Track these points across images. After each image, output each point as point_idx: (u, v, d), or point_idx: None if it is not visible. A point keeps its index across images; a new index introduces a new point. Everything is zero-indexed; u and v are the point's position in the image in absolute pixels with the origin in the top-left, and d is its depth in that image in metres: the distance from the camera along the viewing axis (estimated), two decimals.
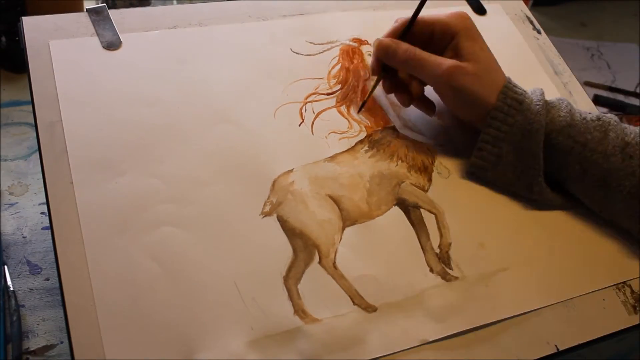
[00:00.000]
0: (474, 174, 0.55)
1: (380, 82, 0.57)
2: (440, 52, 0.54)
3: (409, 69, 0.54)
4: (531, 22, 0.70)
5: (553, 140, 0.52)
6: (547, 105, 0.53)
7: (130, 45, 0.55)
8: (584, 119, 0.52)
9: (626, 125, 0.52)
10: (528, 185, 0.53)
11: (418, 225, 0.51)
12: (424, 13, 0.54)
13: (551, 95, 0.63)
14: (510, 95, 0.52)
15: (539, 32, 0.69)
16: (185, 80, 0.54)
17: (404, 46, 0.53)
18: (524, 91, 0.53)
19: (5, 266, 0.56)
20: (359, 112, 0.57)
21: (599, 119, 0.52)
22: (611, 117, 0.53)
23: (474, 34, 0.54)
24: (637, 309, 0.51)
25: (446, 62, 0.52)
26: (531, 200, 0.54)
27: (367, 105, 0.57)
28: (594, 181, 0.51)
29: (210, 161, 0.50)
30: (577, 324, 0.49)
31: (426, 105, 0.57)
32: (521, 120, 0.52)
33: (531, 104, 0.52)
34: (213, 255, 0.46)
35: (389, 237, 0.50)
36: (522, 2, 0.71)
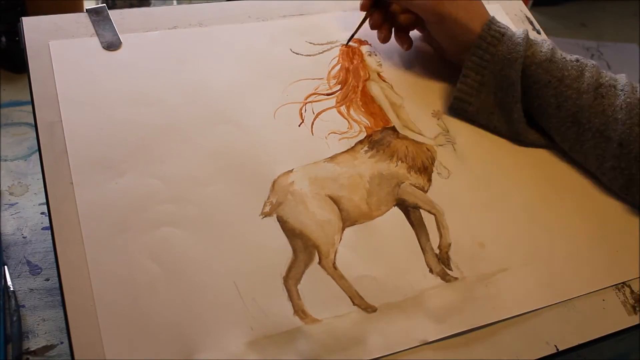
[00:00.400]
0: (457, 108, 0.58)
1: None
2: None
3: (394, 1, 0.58)
4: (531, 23, 0.70)
5: (533, 72, 0.55)
6: (530, 41, 0.56)
7: (130, 45, 0.55)
8: (564, 58, 0.56)
9: (605, 71, 0.56)
10: (508, 113, 0.57)
11: (418, 225, 0.51)
12: None
13: None
14: (494, 27, 0.56)
15: (539, 33, 0.69)
16: (185, 81, 0.54)
17: None
18: (507, 27, 0.57)
19: (6, 266, 0.56)
20: (346, 44, 0.61)
21: (577, 60, 0.56)
22: (590, 61, 0.56)
23: None
24: (637, 309, 0.51)
25: None
26: (514, 139, 0.58)
27: (367, 105, 0.57)
28: (567, 116, 0.55)
29: (210, 161, 0.50)
30: (577, 324, 0.49)
31: (403, 39, 0.62)
32: (503, 50, 0.55)
33: (513, 36, 0.56)
34: (213, 255, 0.46)
35: (388, 238, 0.50)
36: (522, 2, 0.71)
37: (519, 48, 0.55)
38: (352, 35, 0.61)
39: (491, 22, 0.57)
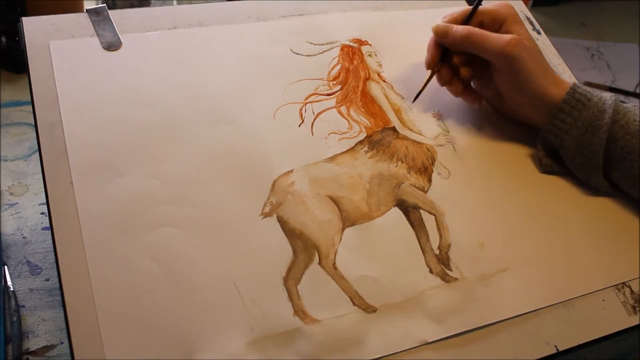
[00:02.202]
0: (541, 163, 0.57)
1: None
2: None
3: (469, 45, 0.56)
4: (531, 23, 0.70)
5: (627, 142, 0.52)
6: (620, 108, 0.54)
7: (130, 45, 0.55)
8: None
9: None
10: (586, 177, 0.55)
11: (418, 226, 0.51)
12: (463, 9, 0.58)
13: None
14: (580, 91, 0.54)
15: (539, 33, 0.69)
16: (185, 81, 0.54)
17: (462, 27, 0.56)
18: (593, 90, 0.55)
19: (6, 266, 0.56)
20: (413, 101, 0.59)
21: None
22: None
23: (520, 21, 0.57)
24: (637, 309, 0.51)
25: (505, 37, 0.54)
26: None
27: (367, 106, 0.57)
28: None
29: (210, 162, 0.50)
30: (577, 324, 0.49)
31: (472, 95, 0.59)
32: (587, 116, 0.53)
33: (599, 102, 0.54)
34: (213, 256, 0.46)
35: (388, 238, 0.50)
36: (522, 2, 0.71)
37: (605, 115, 0.53)
38: (418, 95, 0.59)
39: (576, 86, 0.55)
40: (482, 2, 0.58)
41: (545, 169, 0.57)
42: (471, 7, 0.58)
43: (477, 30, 0.55)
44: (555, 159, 0.57)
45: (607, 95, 0.55)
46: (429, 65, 0.59)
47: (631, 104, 0.55)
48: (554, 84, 0.55)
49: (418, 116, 0.58)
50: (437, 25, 0.57)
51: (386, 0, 0.66)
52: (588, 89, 0.55)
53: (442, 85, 0.59)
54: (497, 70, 0.56)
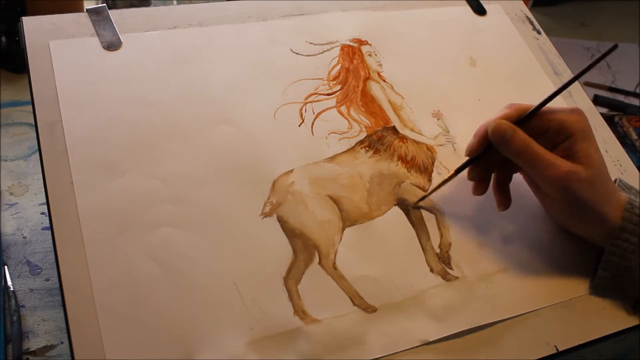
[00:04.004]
0: (597, 288, 0.51)
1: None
2: (551, 148, 0.49)
3: (520, 161, 0.49)
4: (531, 23, 0.70)
5: None
6: None
7: (130, 45, 0.55)
8: None
9: None
10: None
11: (418, 225, 0.51)
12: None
13: (554, 102, 0.63)
14: (637, 204, 0.49)
15: (539, 33, 0.69)
16: (185, 81, 0.54)
17: (522, 135, 0.48)
18: None
19: (6, 266, 0.56)
20: (416, 204, 0.52)
21: None
22: None
23: (590, 135, 0.50)
24: (637, 309, 0.51)
25: (563, 164, 0.48)
26: None
27: (367, 105, 0.57)
28: None
29: (210, 162, 0.50)
30: (577, 324, 0.49)
31: (507, 197, 0.53)
32: None
33: None
34: (213, 255, 0.46)
35: (389, 238, 0.50)
36: (522, 2, 0.71)
37: None
38: (428, 194, 0.53)
39: (632, 202, 0.49)
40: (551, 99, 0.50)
41: (600, 292, 0.51)
42: (538, 104, 0.50)
43: (532, 150, 0.48)
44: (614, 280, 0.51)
45: None
46: (470, 153, 0.51)
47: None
48: (613, 206, 0.49)
49: (418, 116, 0.58)
50: (497, 123, 0.49)
51: (386, 0, 0.66)
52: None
53: (471, 180, 0.53)
54: (547, 195, 0.51)
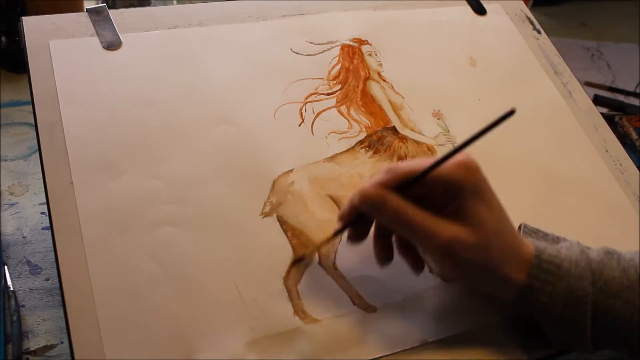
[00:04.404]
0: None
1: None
2: (441, 209, 0.43)
3: (396, 230, 0.45)
4: (531, 22, 0.70)
5: (609, 307, 0.43)
6: (594, 265, 0.44)
7: (130, 45, 0.55)
8: None
9: None
10: (572, 349, 0.45)
11: None
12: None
13: (554, 102, 0.63)
14: (546, 259, 0.43)
15: (539, 32, 0.69)
16: (185, 80, 0.54)
17: (394, 203, 0.42)
18: (558, 250, 0.44)
19: (6, 266, 0.56)
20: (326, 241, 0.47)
21: None
22: None
23: (481, 191, 0.43)
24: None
25: (444, 231, 0.42)
26: None
27: (367, 105, 0.57)
28: None
29: (210, 161, 0.50)
30: None
31: (414, 259, 0.46)
32: (562, 288, 0.43)
33: (572, 267, 0.43)
34: (213, 255, 0.46)
35: None
36: (522, 2, 0.71)
37: (583, 283, 0.43)
38: (319, 246, 0.48)
39: (539, 253, 0.43)
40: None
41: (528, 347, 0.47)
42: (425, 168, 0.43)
43: (407, 218, 0.42)
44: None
45: (575, 252, 0.44)
46: (342, 219, 0.46)
47: (602, 250, 0.45)
48: (516, 264, 0.43)
49: (418, 116, 0.58)
50: (364, 192, 0.43)
51: (386, 0, 0.66)
52: (553, 250, 0.44)
53: (353, 242, 0.46)
54: (437, 264, 0.47)
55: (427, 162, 0.43)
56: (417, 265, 0.46)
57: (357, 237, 0.46)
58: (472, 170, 0.44)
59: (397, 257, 0.49)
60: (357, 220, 0.45)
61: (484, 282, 0.44)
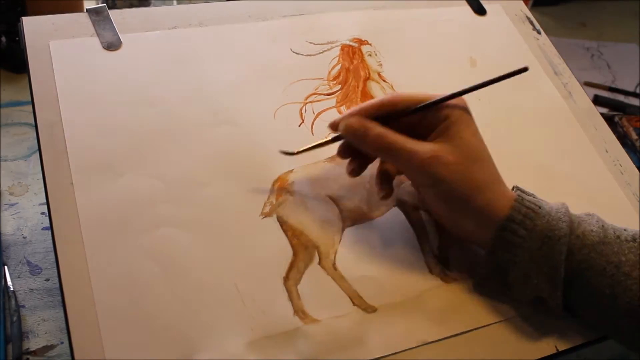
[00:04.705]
0: (479, 285, 0.48)
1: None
2: (426, 136, 0.46)
3: (380, 155, 0.48)
4: (531, 23, 0.70)
5: (584, 257, 0.44)
6: (574, 217, 0.45)
7: (130, 45, 0.55)
8: (618, 237, 0.45)
9: None
10: (539, 297, 0.45)
11: (417, 226, 0.51)
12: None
13: (554, 102, 0.63)
14: (528, 198, 0.45)
15: (539, 33, 0.69)
16: (185, 81, 0.54)
17: (375, 130, 0.45)
18: (540, 199, 0.46)
19: (6, 266, 0.56)
20: (290, 153, 0.50)
21: (634, 239, 0.44)
22: None
23: (467, 119, 0.46)
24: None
25: (424, 149, 0.44)
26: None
27: None
28: (623, 310, 0.43)
29: (210, 162, 0.50)
30: (577, 324, 0.49)
31: (388, 188, 0.49)
32: (541, 225, 0.44)
33: (552, 210, 0.45)
34: (213, 255, 0.46)
35: (388, 238, 0.50)
36: (522, 2, 0.71)
37: (561, 224, 0.44)
38: (301, 151, 0.50)
39: (523, 193, 0.46)
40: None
41: (482, 289, 0.48)
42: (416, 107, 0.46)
43: (388, 142, 0.45)
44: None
45: (557, 204, 0.46)
46: (332, 127, 0.48)
47: (583, 213, 0.47)
48: (497, 197, 0.45)
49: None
50: (347, 123, 0.46)
51: (387, 0, 0.66)
52: (535, 199, 0.46)
53: (350, 173, 0.49)
54: (421, 192, 0.48)
55: (417, 98, 0.46)
56: (389, 192, 0.48)
57: (356, 169, 0.49)
58: (461, 101, 0.47)
59: (397, 257, 0.49)
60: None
61: (463, 211, 0.45)
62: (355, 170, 0.49)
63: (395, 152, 0.45)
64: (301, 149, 0.50)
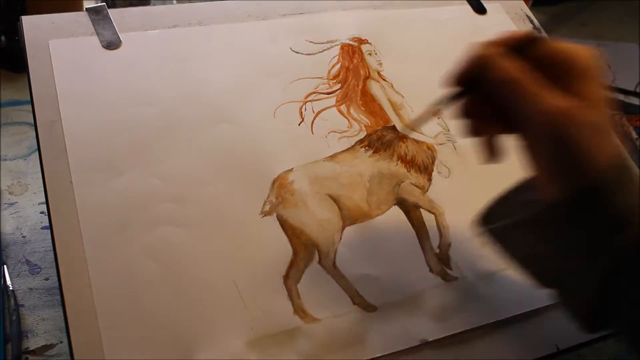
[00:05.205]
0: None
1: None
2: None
3: (500, 94, 0.39)
4: (531, 22, 0.70)
5: None
6: None
7: (130, 44, 0.55)
8: None
9: None
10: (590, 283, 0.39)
11: (418, 225, 0.51)
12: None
13: None
14: (627, 165, 0.37)
15: (539, 32, 0.69)
16: (185, 80, 0.54)
17: (507, 63, 0.39)
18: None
19: (5, 266, 0.56)
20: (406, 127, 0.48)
21: None
22: None
23: (602, 81, 0.39)
24: None
25: (561, 99, 0.37)
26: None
27: (367, 104, 0.57)
28: None
29: (210, 161, 0.50)
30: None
31: (498, 148, 0.43)
32: (619, 202, 0.36)
33: None
34: (213, 255, 0.46)
35: (388, 237, 0.50)
36: (522, 1, 0.71)
37: None
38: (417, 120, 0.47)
39: (624, 159, 0.37)
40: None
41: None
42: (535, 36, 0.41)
43: (515, 78, 0.38)
44: None
45: None
46: (449, 82, 0.43)
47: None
48: (607, 146, 0.37)
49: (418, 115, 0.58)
50: (475, 50, 0.41)
51: (386, 0, 0.66)
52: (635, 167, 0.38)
53: (467, 117, 0.42)
54: (531, 144, 0.39)
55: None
56: (493, 154, 0.42)
57: (475, 129, 0.42)
58: (593, 52, 0.40)
59: (397, 255, 0.49)
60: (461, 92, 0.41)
61: (567, 161, 0.37)
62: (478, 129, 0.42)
63: (521, 93, 0.37)
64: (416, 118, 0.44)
